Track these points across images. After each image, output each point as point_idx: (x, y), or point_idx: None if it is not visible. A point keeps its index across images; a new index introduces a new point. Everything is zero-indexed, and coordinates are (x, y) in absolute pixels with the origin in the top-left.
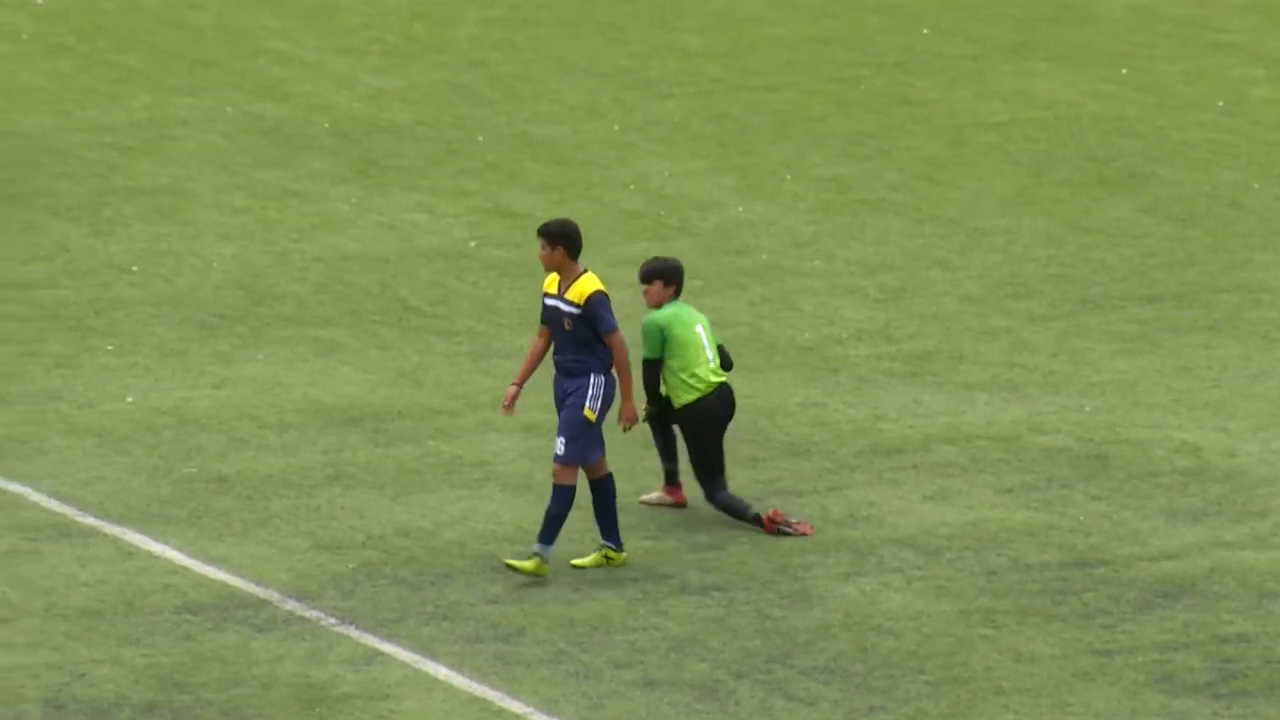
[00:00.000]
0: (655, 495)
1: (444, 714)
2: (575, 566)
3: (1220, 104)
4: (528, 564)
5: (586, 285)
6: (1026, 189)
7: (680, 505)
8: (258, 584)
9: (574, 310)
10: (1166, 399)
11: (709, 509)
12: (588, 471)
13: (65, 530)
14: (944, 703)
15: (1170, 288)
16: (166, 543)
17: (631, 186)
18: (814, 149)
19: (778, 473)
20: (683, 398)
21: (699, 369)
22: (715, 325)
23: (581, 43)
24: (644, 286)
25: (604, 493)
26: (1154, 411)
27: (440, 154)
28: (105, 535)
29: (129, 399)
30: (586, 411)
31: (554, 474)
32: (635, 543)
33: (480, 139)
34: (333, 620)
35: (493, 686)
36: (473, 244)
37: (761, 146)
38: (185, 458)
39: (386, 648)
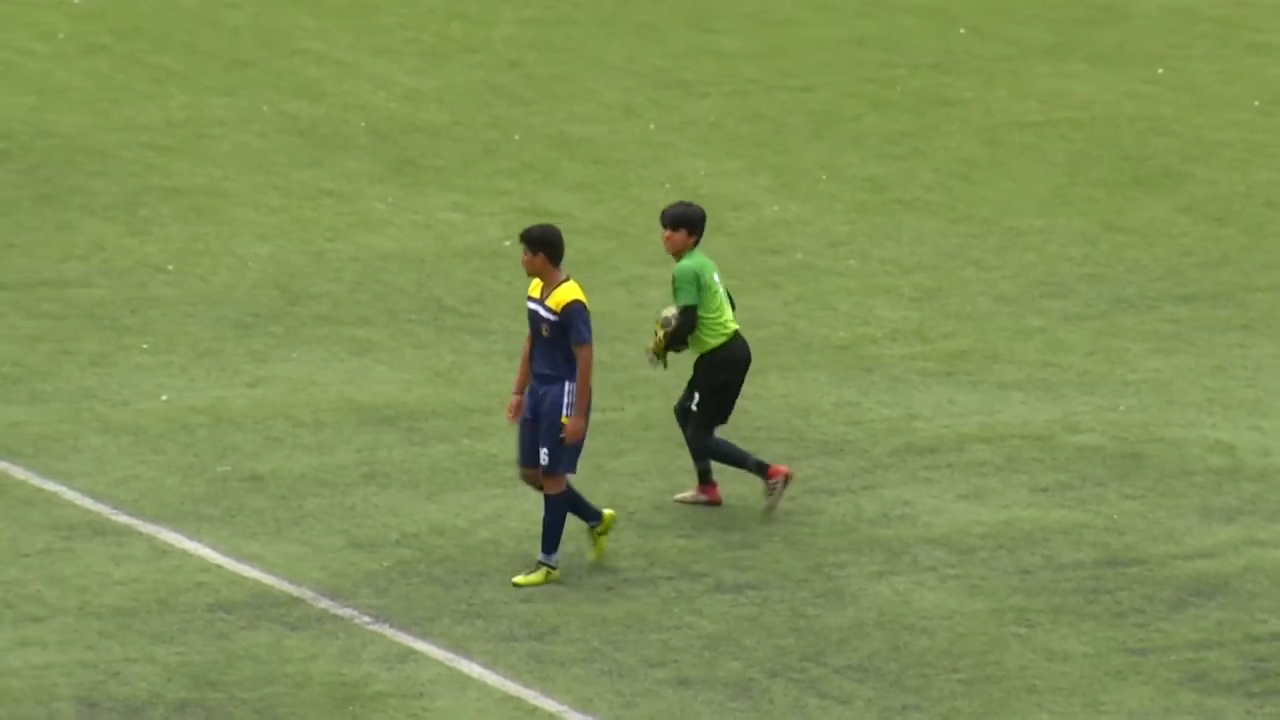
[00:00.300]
0: (690, 494)
1: (477, 712)
2: (593, 560)
3: (1256, 104)
4: (535, 576)
5: (566, 293)
6: (1062, 189)
7: (715, 504)
8: (291, 582)
9: (552, 317)
10: (1201, 398)
11: (743, 508)
12: (526, 480)
13: (99, 528)
14: (977, 701)
15: (1205, 287)
16: (200, 541)
17: (667, 186)
18: (849, 149)
19: (812, 471)
20: (710, 343)
21: (723, 315)
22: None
23: (617, 43)
24: (667, 232)
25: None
26: (1188, 410)
27: (476, 153)
28: (139, 533)
29: (164, 398)
30: (564, 420)
31: (544, 485)
32: (669, 541)
33: (516, 138)
34: (366, 618)
35: (526, 685)
36: (508, 243)
37: (797, 146)
38: (220, 456)
39: (420, 646)
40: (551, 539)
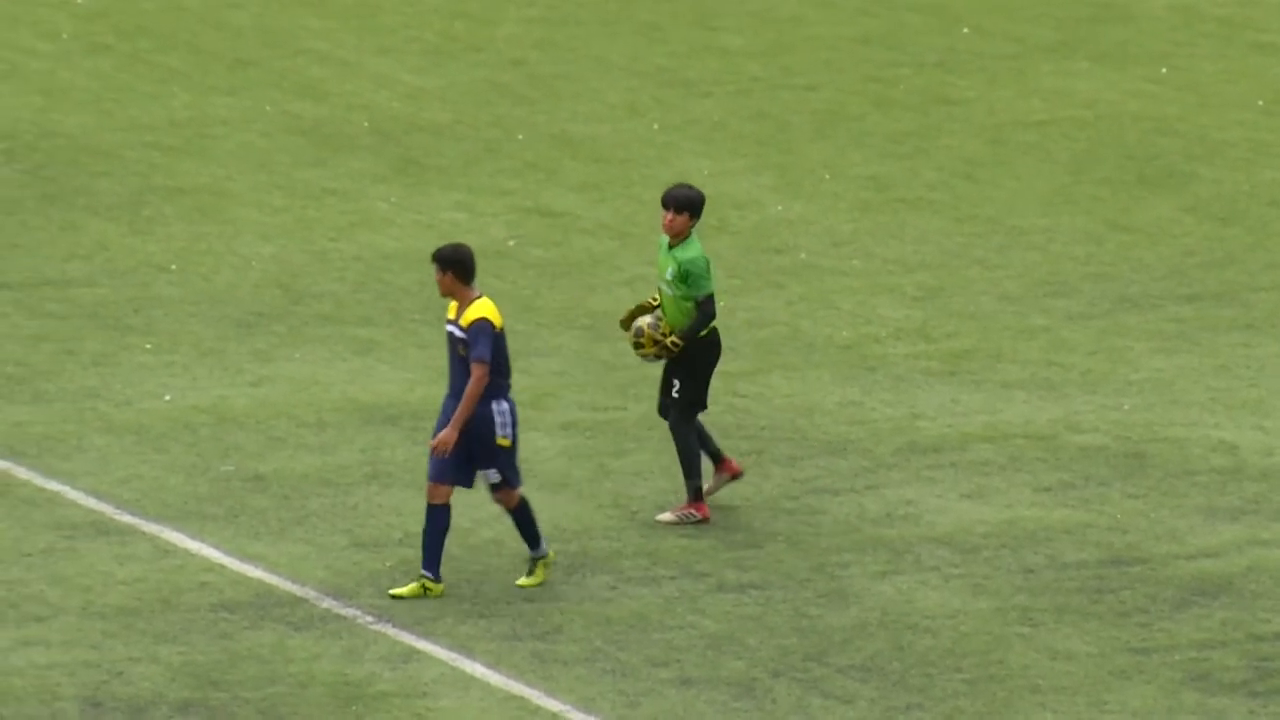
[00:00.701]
0: (709, 484)
1: (480, 712)
2: (394, 595)
3: (1260, 103)
4: (535, 577)
5: (476, 311)
6: (1066, 188)
7: (736, 476)
8: (295, 582)
9: (464, 335)
10: (1204, 398)
11: (747, 507)
12: (429, 494)
13: (103, 528)
14: (980, 701)
15: (1209, 287)
16: (204, 541)
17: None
18: (853, 148)
19: (815, 471)
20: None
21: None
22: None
23: (621, 42)
24: (670, 214)
25: (438, 522)
26: (1192, 410)
27: (479, 153)
28: (143, 533)
29: (167, 397)
30: (500, 441)
31: (500, 502)
32: (672, 540)
33: (519, 138)
34: (369, 618)
35: (529, 684)
36: (512, 243)
37: (801, 145)
38: (223, 456)
39: (423, 646)
40: (530, 535)
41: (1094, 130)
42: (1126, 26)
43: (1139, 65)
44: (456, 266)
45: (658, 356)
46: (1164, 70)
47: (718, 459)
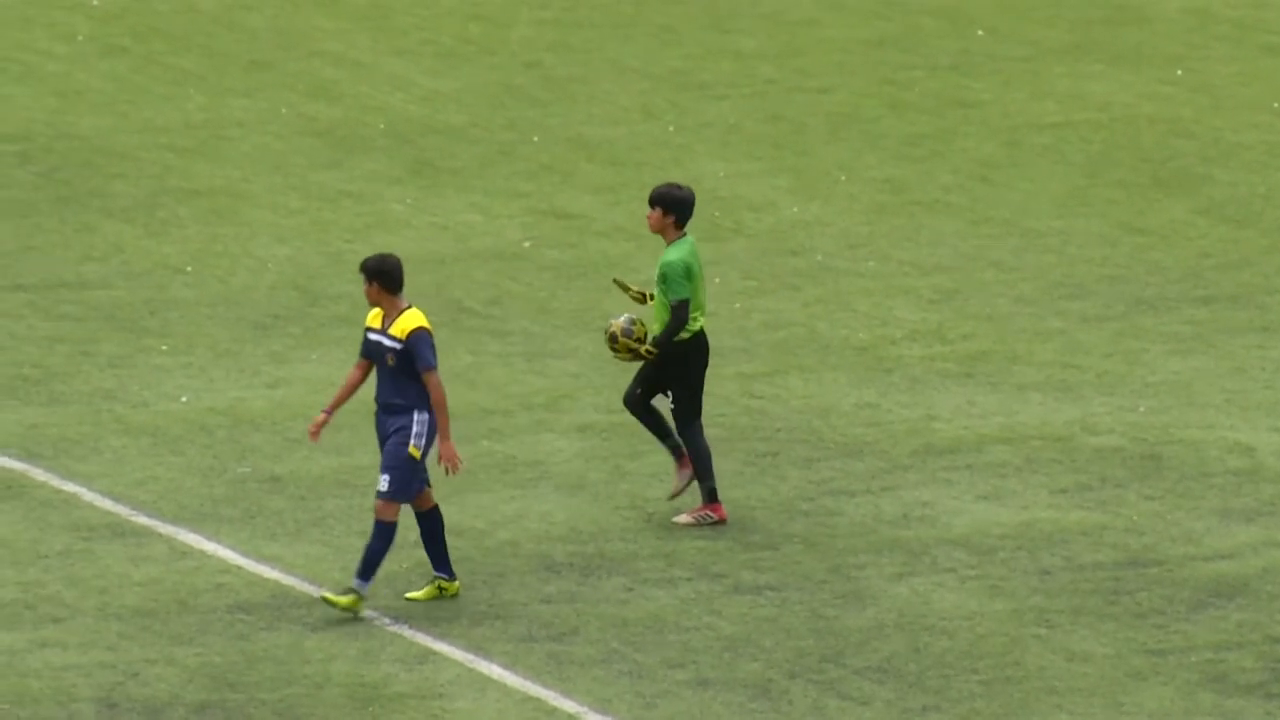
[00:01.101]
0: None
1: (497, 713)
2: (409, 599)
3: (1275, 105)
4: (344, 599)
5: (409, 321)
6: (1081, 190)
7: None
8: (311, 583)
9: (396, 345)
10: (1220, 399)
11: (763, 508)
12: (414, 504)
13: (119, 530)
14: (997, 702)
15: (1224, 289)
16: (220, 542)
17: None
18: (868, 150)
19: (831, 473)
20: (691, 327)
21: (703, 301)
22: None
23: (635, 44)
24: (648, 210)
25: (433, 525)
26: (1208, 412)
27: (494, 155)
28: (159, 535)
29: (183, 399)
30: (411, 449)
31: (375, 510)
32: (689, 542)
33: (534, 140)
34: (386, 619)
35: (545, 686)
36: (527, 245)
37: (816, 148)
38: (239, 457)
39: (439, 647)
40: (370, 566)
41: (1108, 132)
42: (1140, 29)
43: (1153, 67)
44: (382, 277)
45: (630, 361)
46: (1178, 72)
47: (678, 453)
